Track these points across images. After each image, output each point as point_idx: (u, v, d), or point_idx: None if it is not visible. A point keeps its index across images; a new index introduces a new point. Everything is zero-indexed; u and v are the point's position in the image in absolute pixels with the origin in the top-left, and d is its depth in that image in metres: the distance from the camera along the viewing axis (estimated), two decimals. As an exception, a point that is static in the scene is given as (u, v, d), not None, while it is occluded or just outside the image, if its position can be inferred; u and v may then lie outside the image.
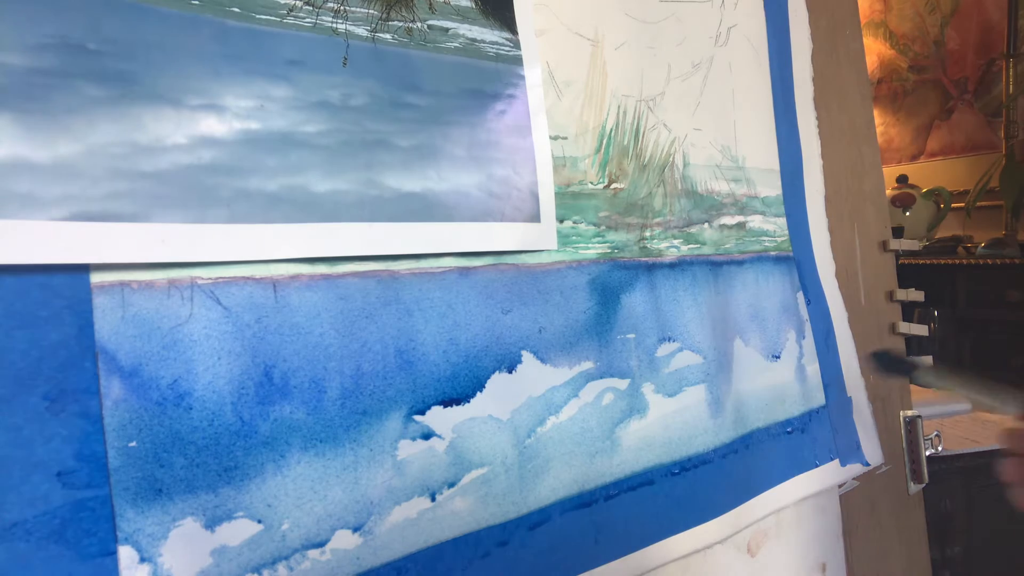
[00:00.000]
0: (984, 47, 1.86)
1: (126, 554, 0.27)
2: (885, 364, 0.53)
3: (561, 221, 0.44)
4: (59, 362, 0.26)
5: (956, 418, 1.17)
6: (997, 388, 0.38)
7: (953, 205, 1.82)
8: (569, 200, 0.45)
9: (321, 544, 0.32)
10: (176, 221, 0.29)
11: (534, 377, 0.41)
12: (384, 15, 0.36)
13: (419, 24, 0.38)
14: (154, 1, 0.29)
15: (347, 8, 0.35)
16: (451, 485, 0.37)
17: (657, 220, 0.50)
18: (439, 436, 0.36)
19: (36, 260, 0.26)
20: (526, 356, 0.41)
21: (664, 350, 0.49)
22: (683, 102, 0.53)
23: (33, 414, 0.26)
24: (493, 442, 0.39)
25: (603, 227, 0.47)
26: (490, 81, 0.40)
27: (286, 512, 0.31)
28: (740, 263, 0.56)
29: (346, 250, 0.34)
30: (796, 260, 0.62)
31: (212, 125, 0.30)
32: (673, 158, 0.52)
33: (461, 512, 0.37)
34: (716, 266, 0.54)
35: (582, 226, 0.45)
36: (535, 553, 0.39)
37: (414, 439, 0.35)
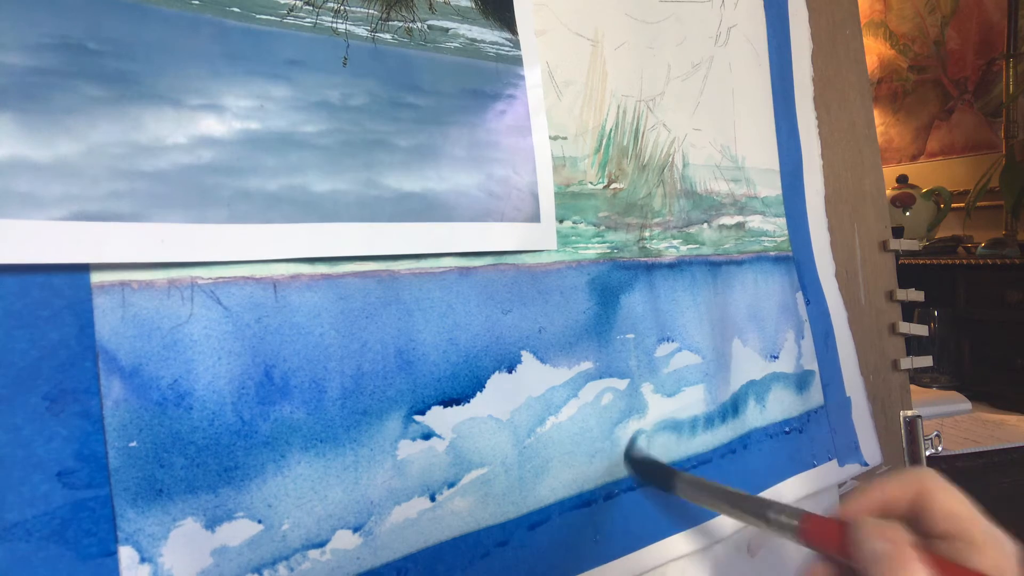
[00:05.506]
0: (984, 47, 1.86)
1: (126, 554, 0.27)
2: (641, 472, 0.44)
3: (561, 221, 0.44)
4: (59, 362, 0.26)
5: (956, 418, 1.17)
6: (750, 501, 0.35)
7: (953, 205, 1.81)
8: (569, 200, 0.45)
9: (321, 544, 0.32)
10: (176, 221, 0.29)
11: (534, 377, 0.41)
12: (384, 15, 0.36)
13: (419, 24, 0.38)
14: (154, 1, 0.29)
15: (347, 8, 0.35)
16: (451, 485, 0.37)
17: (656, 220, 0.50)
18: (439, 436, 0.36)
19: (36, 260, 0.26)
20: (526, 356, 0.41)
21: (663, 350, 0.49)
22: (683, 102, 0.53)
23: (33, 414, 0.26)
24: (493, 442, 0.39)
25: (603, 227, 0.47)
26: (490, 81, 0.40)
27: (286, 512, 0.31)
28: (739, 263, 0.56)
29: (346, 250, 0.34)
30: (796, 260, 0.62)
31: (212, 125, 0.30)
32: (672, 158, 0.52)
33: (461, 512, 0.37)
34: (715, 266, 0.54)
35: (582, 226, 0.45)
36: (535, 553, 0.39)
37: (414, 439, 0.35)
